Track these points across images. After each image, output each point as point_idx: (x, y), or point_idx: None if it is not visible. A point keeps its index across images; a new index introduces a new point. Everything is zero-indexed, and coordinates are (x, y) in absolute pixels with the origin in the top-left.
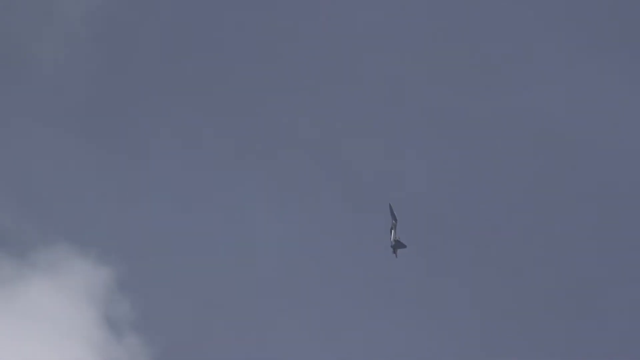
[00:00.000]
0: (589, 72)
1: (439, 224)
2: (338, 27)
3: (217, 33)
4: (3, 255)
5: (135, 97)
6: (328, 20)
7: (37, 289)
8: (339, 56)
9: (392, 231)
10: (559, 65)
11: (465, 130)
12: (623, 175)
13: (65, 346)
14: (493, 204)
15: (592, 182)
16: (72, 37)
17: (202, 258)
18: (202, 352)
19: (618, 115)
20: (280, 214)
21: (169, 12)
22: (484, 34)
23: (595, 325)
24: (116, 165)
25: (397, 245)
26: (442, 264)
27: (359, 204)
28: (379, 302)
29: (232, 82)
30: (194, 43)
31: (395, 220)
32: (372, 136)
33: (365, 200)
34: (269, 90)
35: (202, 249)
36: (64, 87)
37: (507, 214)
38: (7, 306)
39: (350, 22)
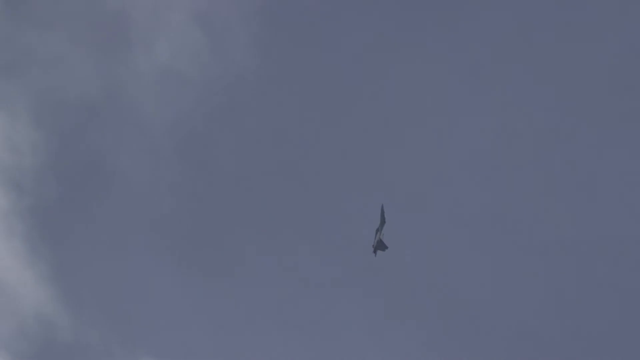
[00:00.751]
0: None
1: None
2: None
3: (297, 145)
4: None
5: (221, 208)
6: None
7: None
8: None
9: (378, 232)
10: None
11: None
12: None
13: None
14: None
15: None
16: (156, 149)
17: None
18: None
19: None
20: (380, 341)
21: (254, 124)
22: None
23: None
24: (200, 279)
25: (379, 245)
26: None
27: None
28: None
29: (329, 202)
30: (280, 152)
31: (384, 222)
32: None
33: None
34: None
35: None
36: (148, 198)
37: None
38: None
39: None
